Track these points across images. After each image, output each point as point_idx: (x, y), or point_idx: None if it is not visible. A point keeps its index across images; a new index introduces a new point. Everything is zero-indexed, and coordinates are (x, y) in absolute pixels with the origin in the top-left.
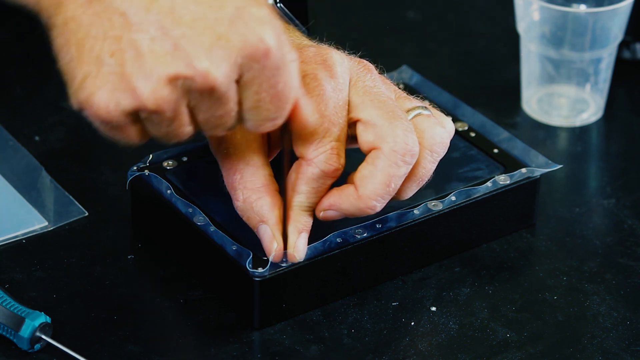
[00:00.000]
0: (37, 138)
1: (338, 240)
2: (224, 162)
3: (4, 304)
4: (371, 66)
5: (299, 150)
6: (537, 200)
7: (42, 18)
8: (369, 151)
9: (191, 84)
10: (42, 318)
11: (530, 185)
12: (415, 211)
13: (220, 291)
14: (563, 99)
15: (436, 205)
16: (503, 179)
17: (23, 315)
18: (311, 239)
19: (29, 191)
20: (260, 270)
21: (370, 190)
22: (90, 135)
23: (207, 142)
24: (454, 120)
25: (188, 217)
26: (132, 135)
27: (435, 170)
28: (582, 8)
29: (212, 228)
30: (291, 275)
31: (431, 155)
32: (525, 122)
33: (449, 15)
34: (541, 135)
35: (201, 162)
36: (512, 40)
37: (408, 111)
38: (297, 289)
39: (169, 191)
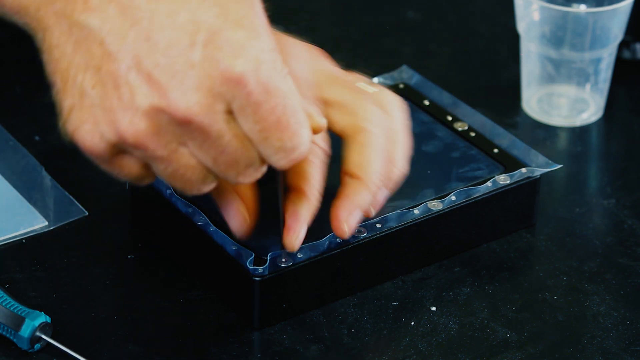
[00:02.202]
0: (37, 138)
1: (338, 240)
2: (220, 200)
3: (4, 304)
4: (322, 51)
5: None
6: (537, 200)
7: (36, 41)
8: (346, 132)
9: (168, 116)
10: (42, 318)
11: (530, 185)
12: (415, 211)
13: (220, 291)
14: (563, 99)
15: (436, 205)
16: (503, 179)
17: (23, 315)
18: (311, 239)
19: (29, 191)
20: (260, 270)
21: (373, 171)
22: None
23: None
24: (454, 120)
25: (188, 217)
26: (131, 170)
27: (435, 170)
28: (582, 8)
29: (212, 228)
30: (291, 275)
31: (400, 124)
32: (525, 122)
33: (449, 15)
34: (541, 135)
35: None
36: (512, 40)
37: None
38: (297, 289)
39: (169, 191)
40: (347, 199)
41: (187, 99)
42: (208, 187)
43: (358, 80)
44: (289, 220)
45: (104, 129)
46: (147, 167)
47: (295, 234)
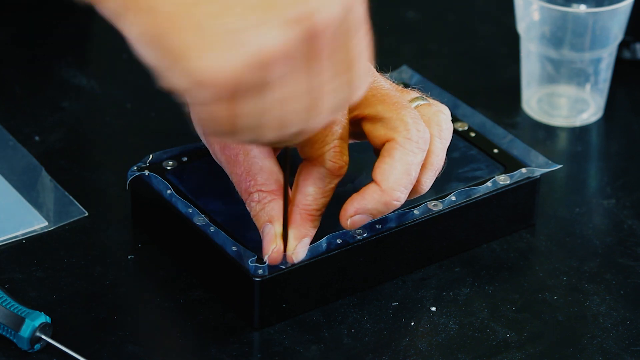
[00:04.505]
0: (37, 138)
1: (338, 240)
2: (234, 168)
3: (4, 304)
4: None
5: (303, 150)
6: (537, 200)
7: (105, 10)
8: (382, 145)
9: (306, 26)
10: (42, 318)
11: (530, 185)
12: (415, 211)
13: (220, 291)
14: (563, 99)
15: (436, 205)
16: (503, 179)
17: (23, 315)
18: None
19: (29, 191)
20: (260, 270)
21: (393, 182)
22: (90, 135)
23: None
24: (454, 120)
25: (188, 217)
26: (244, 114)
27: None
28: (582, 8)
29: (212, 228)
30: (291, 275)
31: (441, 141)
32: (525, 122)
33: (449, 15)
34: (541, 135)
35: (201, 162)
36: (512, 40)
37: (410, 102)
38: (297, 289)
39: (169, 191)
40: (362, 198)
41: (329, 9)
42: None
43: (404, 95)
44: (289, 234)
45: (238, 54)
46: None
47: (290, 247)
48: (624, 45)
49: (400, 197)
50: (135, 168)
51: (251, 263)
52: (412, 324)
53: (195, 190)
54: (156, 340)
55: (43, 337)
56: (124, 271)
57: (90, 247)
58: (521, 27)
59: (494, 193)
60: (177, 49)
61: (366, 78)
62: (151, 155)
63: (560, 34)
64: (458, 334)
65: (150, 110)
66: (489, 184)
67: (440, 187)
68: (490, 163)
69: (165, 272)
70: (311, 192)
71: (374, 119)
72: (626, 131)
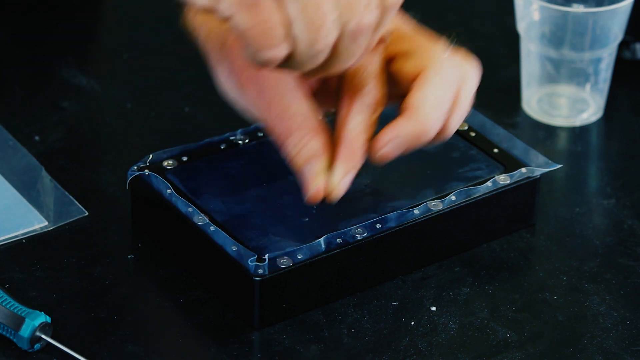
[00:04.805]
0: (37, 138)
1: (338, 240)
2: (271, 112)
3: (4, 304)
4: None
5: (345, 82)
6: (537, 200)
7: None
8: (412, 80)
9: None
10: (42, 318)
11: (530, 185)
12: (415, 211)
13: (220, 291)
14: (563, 99)
15: (436, 205)
16: (503, 179)
17: (23, 315)
18: (311, 238)
19: (29, 191)
20: (260, 270)
21: (429, 108)
22: (90, 135)
23: (207, 142)
24: None
25: (188, 217)
26: (277, 20)
27: (435, 170)
28: (582, 8)
29: (212, 228)
30: (291, 275)
31: (470, 81)
32: (525, 122)
33: (449, 15)
34: (541, 135)
35: (201, 162)
36: (512, 40)
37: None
38: (297, 289)
39: (169, 191)
40: (394, 128)
41: None
42: (282, 49)
43: (428, 35)
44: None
45: None
46: (289, 22)
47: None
48: (624, 45)
49: (433, 126)
50: (135, 168)
51: (251, 263)
52: (412, 323)
53: (195, 190)
54: (156, 340)
55: (43, 336)
56: (124, 271)
57: (90, 247)
58: (521, 27)
59: (494, 193)
60: None
61: None
62: (151, 155)
63: (560, 34)
64: (458, 334)
65: (150, 110)
66: (489, 183)
67: (440, 187)
68: (490, 163)
69: (165, 272)
70: (360, 121)
71: (405, 55)
72: (626, 131)
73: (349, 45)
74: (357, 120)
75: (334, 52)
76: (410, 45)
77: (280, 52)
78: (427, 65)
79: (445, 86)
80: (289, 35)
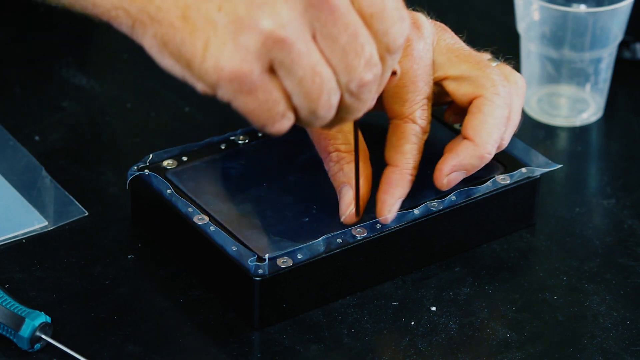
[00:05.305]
0: (37, 138)
1: (338, 240)
2: (315, 130)
3: (4, 304)
4: (445, 26)
5: (393, 109)
6: (537, 200)
7: (119, 27)
8: (468, 103)
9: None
10: (42, 318)
11: (530, 185)
12: (415, 211)
13: (220, 291)
14: (563, 99)
15: (436, 205)
16: (503, 179)
17: (23, 315)
18: (311, 238)
19: (29, 191)
20: (260, 270)
21: (486, 135)
22: (90, 135)
23: (207, 142)
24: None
25: (188, 217)
26: (276, 99)
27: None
28: (582, 8)
29: (212, 228)
30: (291, 275)
31: (519, 99)
32: (525, 122)
33: (449, 15)
34: (541, 135)
35: (201, 162)
36: (512, 40)
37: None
38: (297, 289)
39: (169, 191)
40: (456, 155)
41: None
42: (286, 122)
43: (482, 55)
44: (384, 195)
45: (246, 39)
46: (287, 94)
47: (388, 208)
48: (624, 45)
49: (492, 150)
50: (135, 168)
51: (251, 263)
52: (412, 323)
53: (195, 190)
54: (156, 340)
55: (43, 336)
56: (124, 271)
57: (90, 247)
58: (521, 27)
59: (494, 193)
60: (186, 54)
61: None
62: (151, 155)
63: (561, 34)
64: (458, 334)
65: (150, 110)
66: (489, 183)
67: None
68: (490, 163)
69: (165, 272)
70: (409, 150)
71: (459, 78)
72: (626, 131)
73: (354, 102)
74: (406, 148)
75: (342, 107)
76: (462, 71)
77: (285, 123)
78: (481, 92)
79: (499, 111)
80: (291, 106)
